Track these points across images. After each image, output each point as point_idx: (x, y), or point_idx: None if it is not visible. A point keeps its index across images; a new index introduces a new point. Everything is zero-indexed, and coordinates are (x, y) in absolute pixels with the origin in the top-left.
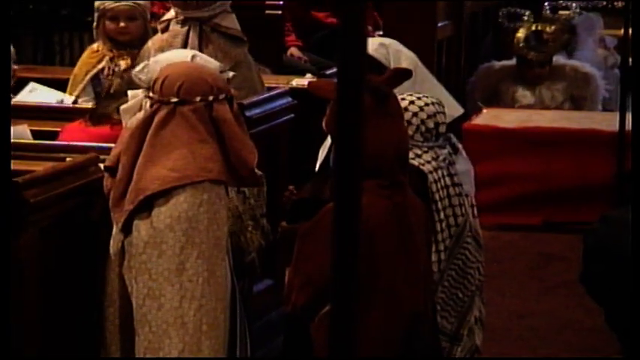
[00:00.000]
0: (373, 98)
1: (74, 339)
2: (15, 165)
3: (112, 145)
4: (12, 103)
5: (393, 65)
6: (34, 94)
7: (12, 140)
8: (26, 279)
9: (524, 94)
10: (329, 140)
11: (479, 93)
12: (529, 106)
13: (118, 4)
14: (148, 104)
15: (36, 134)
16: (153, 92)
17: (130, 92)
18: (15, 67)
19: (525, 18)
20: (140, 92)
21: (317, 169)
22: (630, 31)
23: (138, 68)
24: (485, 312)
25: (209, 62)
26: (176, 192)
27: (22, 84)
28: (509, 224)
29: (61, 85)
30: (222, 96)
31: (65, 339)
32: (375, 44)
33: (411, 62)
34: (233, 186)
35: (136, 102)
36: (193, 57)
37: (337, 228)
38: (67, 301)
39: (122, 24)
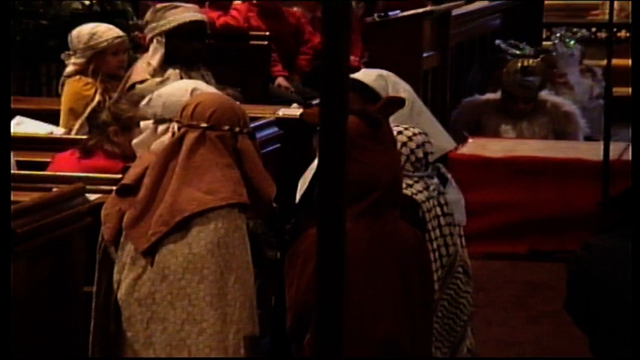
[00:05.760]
0: (365, 124)
1: None
2: None
3: (103, 175)
4: None
5: None
6: (21, 127)
7: None
8: (15, 308)
9: (506, 129)
10: (309, 172)
11: (462, 126)
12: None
13: (121, 39)
14: (176, 128)
15: (23, 165)
16: (181, 117)
17: (141, 124)
18: None
19: (519, 51)
20: (150, 123)
21: (297, 200)
22: (612, 62)
23: (144, 102)
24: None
25: (211, 90)
26: (212, 214)
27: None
28: (496, 253)
29: (47, 117)
30: (246, 130)
31: None
32: (373, 75)
33: (408, 95)
34: (251, 215)
35: (148, 134)
36: (194, 90)
37: (321, 254)
38: (56, 331)
39: (122, 57)
